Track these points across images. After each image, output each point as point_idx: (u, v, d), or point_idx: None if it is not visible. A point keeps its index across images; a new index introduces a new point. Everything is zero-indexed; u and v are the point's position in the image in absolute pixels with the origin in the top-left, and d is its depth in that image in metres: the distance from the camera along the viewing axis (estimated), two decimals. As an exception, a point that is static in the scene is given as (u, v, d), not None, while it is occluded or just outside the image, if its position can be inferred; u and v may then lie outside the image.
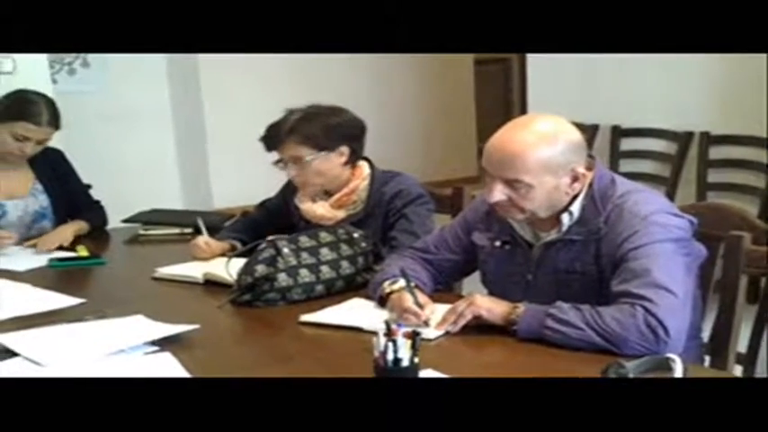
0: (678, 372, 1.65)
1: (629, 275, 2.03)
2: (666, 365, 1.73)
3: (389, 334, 1.77)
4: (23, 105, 3.23)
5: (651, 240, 2.06)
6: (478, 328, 2.14)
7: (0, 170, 3.32)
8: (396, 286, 2.29)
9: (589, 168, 2.17)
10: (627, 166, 5.10)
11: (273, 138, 2.82)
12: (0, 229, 3.22)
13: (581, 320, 2.00)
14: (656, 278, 2.00)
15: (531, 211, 2.15)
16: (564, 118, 2.17)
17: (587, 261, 2.15)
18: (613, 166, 5.08)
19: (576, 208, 2.15)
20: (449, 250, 2.46)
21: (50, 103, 3.28)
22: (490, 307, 2.14)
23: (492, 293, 2.29)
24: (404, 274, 2.28)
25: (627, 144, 5.18)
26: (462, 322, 2.14)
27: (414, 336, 1.76)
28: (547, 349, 2.02)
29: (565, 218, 2.16)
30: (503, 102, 10.03)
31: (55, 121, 3.26)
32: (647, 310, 1.95)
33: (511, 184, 2.11)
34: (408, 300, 2.22)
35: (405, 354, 1.74)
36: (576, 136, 2.14)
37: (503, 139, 2.13)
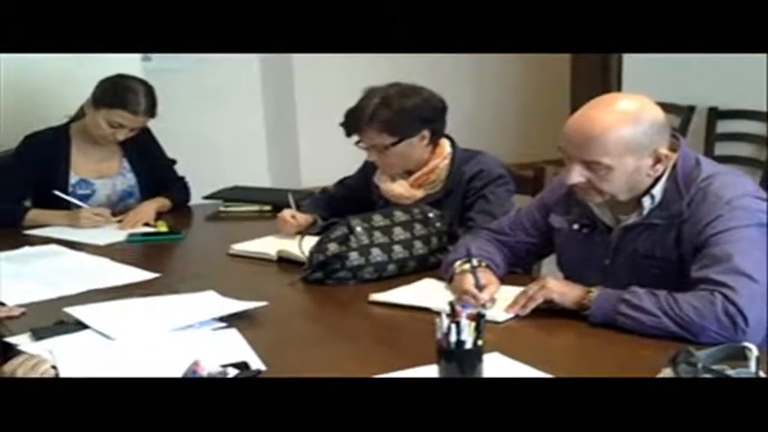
0: (753, 362, 1.56)
1: (710, 261, 1.94)
2: (742, 355, 1.64)
3: (453, 315, 1.72)
4: (123, 93, 3.22)
5: (735, 225, 1.96)
6: (550, 312, 2.08)
7: (91, 151, 3.36)
8: (466, 266, 2.23)
9: (672, 149, 2.07)
10: (723, 148, 4.93)
11: (353, 125, 2.77)
12: (89, 207, 3.26)
13: (656, 307, 1.92)
14: (738, 264, 1.90)
15: (611, 194, 2.07)
16: (650, 98, 2.08)
17: (668, 246, 2.06)
18: (709, 149, 4.93)
19: (657, 191, 2.07)
20: (524, 232, 2.40)
21: (149, 92, 3.27)
22: (563, 291, 2.07)
23: (567, 277, 2.23)
24: (468, 255, 2.23)
25: (723, 126, 5.00)
26: (532, 305, 2.08)
27: (478, 318, 1.70)
28: (618, 335, 1.96)
29: (646, 201, 2.07)
30: (600, 81, 9.82)
31: (151, 110, 3.27)
32: (726, 297, 1.86)
33: (590, 165, 2.03)
34: (468, 281, 2.16)
35: (468, 336, 1.69)
36: (660, 115, 2.05)
37: (582, 119, 2.05)
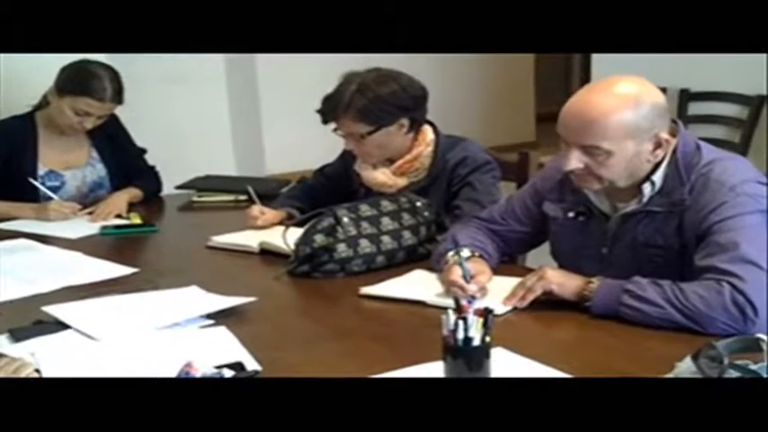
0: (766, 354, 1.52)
1: (716, 249, 1.89)
2: (756, 346, 1.60)
3: (459, 310, 1.65)
4: (87, 80, 3.10)
5: (739, 212, 1.92)
6: (549, 303, 2.02)
7: (58, 141, 3.24)
8: (457, 257, 2.17)
9: (672, 134, 2.02)
10: (695, 131, 4.89)
11: (329, 112, 2.69)
12: (59, 199, 3.15)
13: (661, 297, 1.87)
14: (745, 252, 1.86)
15: (610, 181, 2.01)
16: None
17: (669, 234, 2.01)
18: (681, 132, 4.91)
19: (658, 177, 2.01)
20: (516, 221, 2.34)
21: (115, 77, 3.16)
22: (562, 281, 2.02)
23: (563, 267, 2.16)
24: (456, 245, 2.16)
25: (695, 108, 4.99)
26: (531, 297, 2.03)
27: (486, 314, 1.64)
28: (621, 326, 1.91)
29: (646, 188, 2.02)
30: (563, 62, 9.81)
31: (118, 97, 3.16)
32: (734, 286, 1.82)
33: (588, 151, 1.97)
34: (456, 272, 2.10)
35: (475, 332, 1.63)
36: (660, 98, 1.99)
37: (580, 102, 1.99)
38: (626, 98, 1.96)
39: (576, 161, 2.00)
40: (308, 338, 2.01)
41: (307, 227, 2.41)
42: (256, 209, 2.84)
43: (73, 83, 3.12)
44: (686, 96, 5.00)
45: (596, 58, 5.51)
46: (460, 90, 7.28)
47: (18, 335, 1.94)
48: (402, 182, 2.71)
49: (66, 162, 3.27)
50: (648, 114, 1.96)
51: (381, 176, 2.73)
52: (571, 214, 2.19)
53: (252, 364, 1.76)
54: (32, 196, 3.12)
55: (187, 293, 2.18)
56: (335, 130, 2.70)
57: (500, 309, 2.02)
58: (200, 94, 5.76)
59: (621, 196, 2.08)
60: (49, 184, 3.20)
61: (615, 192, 2.07)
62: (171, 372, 1.62)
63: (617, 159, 1.97)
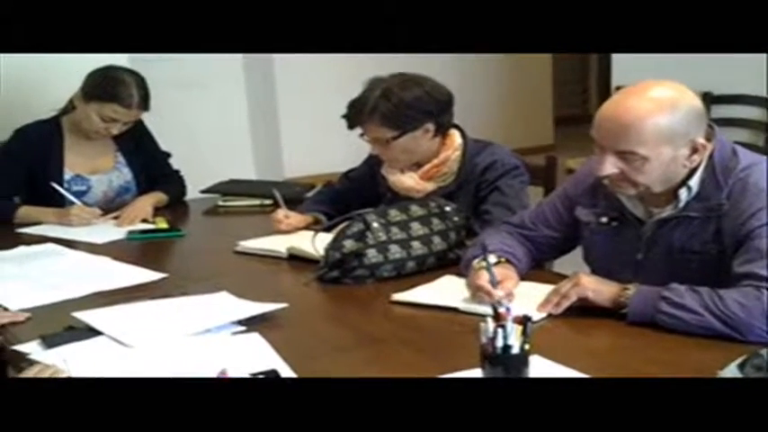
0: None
1: (755, 255, 1.87)
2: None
3: (498, 318, 1.64)
4: (115, 86, 3.10)
5: (779, 218, 1.89)
6: (583, 310, 2.00)
7: (84, 145, 3.24)
8: (484, 263, 2.15)
9: (708, 139, 2.00)
10: (718, 134, 4.89)
11: (354, 117, 2.68)
12: (84, 204, 3.14)
13: (699, 305, 1.84)
14: (785, 259, 1.83)
15: (645, 186, 1.99)
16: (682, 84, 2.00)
17: (706, 240, 1.99)
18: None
19: (695, 182, 1.99)
20: (547, 226, 2.31)
21: (141, 84, 3.16)
22: (597, 288, 1.99)
23: (595, 273, 2.14)
24: (483, 250, 2.15)
25: (718, 111, 4.96)
26: (566, 304, 2.00)
27: (524, 321, 1.62)
28: (658, 334, 1.88)
29: (683, 193, 2.00)
30: (580, 65, 9.78)
31: (144, 103, 3.16)
32: (774, 293, 1.79)
33: (624, 156, 1.95)
34: (483, 277, 2.08)
35: (515, 340, 1.61)
36: (697, 103, 1.97)
37: (615, 107, 1.96)
38: (662, 103, 1.93)
39: (610, 166, 1.98)
40: (339, 345, 2.00)
41: (336, 232, 2.40)
42: (281, 213, 2.83)
43: (100, 89, 3.11)
44: (709, 99, 4.97)
45: (617, 60, 5.49)
46: (478, 93, 7.26)
47: (50, 341, 1.93)
48: (430, 186, 2.70)
49: (93, 167, 3.26)
50: (685, 119, 1.94)
51: (409, 181, 2.71)
52: (604, 219, 2.17)
53: (286, 372, 1.75)
54: (59, 201, 3.11)
55: (218, 299, 2.17)
56: (362, 135, 2.69)
57: (535, 316, 2.00)
58: (218, 98, 5.77)
59: (656, 201, 2.06)
60: (75, 188, 3.20)
61: (650, 197, 2.05)
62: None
63: (653, 165, 1.95)
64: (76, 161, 3.24)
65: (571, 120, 8.78)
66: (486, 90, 7.49)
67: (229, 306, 2.11)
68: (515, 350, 1.61)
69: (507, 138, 6.51)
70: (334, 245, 2.35)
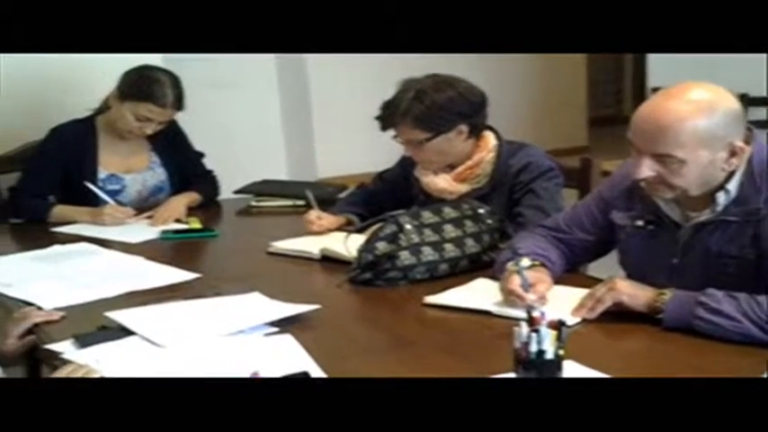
0: None
1: (794, 261, 1.84)
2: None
3: (532, 323, 1.62)
4: (150, 86, 3.12)
5: (820, 222, 1.86)
6: (619, 315, 1.98)
7: (118, 145, 3.26)
8: (516, 266, 2.13)
9: (747, 142, 1.97)
10: (755, 137, 4.83)
11: (387, 119, 2.67)
12: (118, 203, 3.16)
13: (737, 311, 1.81)
14: (825, 265, 1.80)
15: (682, 189, 1.96)
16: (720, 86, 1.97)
17: (744, 244, 1.95)
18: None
19: (733, 186, 1.96)
20: (582, 229, 2.29)
21: (176, 83, 3.17)
22: (633, 292, 1.97)
23: (630, 277, 2.11)
24: (517, 253, 2.13)
25: (756, 114, 4.90)
26: (601, 308, 1.98)
27: (559, 326, 1.60)
28: (695, 340, 1.85)
29: (720, 197, 1.97)
30: (614, 66, 9.72)
31: (179, 103, 3.17)
32: (814, 300, 1.76)
33: (661, 159, 1.92)
34: (515, 280, 2.06)
35: (549, 345, 1.59)
36: (735, 105, 1.94)
37: (653, 109, 1.94)
38: (700, 105, 1.91)
39: (647, 169, 1.95)
40: (372, 347, 1.99)
41: (369, 234, 2.39)
42: (313, 214, 2.83)
43: (135, 88, 3.13)
44: (746, 101, 4.91)
45: (652, 61, 5.44)
46: (511, 93, 7.22)
47: (83, 341, 1.94)
48: (463, 188, 2.68)
49: (127, 166, 3.28)
50: (723, 122, 1.91)
51: (442, 182, 2.70)
52: (640, 223, 2.14)
53: (317, 374, 1.74)
54: (93, 200, 3.13)
55: (250, 300, 2.17)
56: (395, 137, 2.68)
57: (568, 320, 1.98)
58: (252, 98, 5.78)
59: (693, 205, 2.03)
60: (109, 187, 3.21)
61: (687, 200, 2.02)
62: (237, 380, 1.62)
63: (690, 168, 1.92)
64: (111, 160, 3.26)
65: (605, 121, 8.73)
66: (519, 91, 7.46)
67: (262, 307, 2.11)
68: (549, 355, 1.60)
69: (541, 138, 6.47)
70: (367, 246, 2.35)
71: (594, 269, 2.51)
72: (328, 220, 2.84)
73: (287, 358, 1.82)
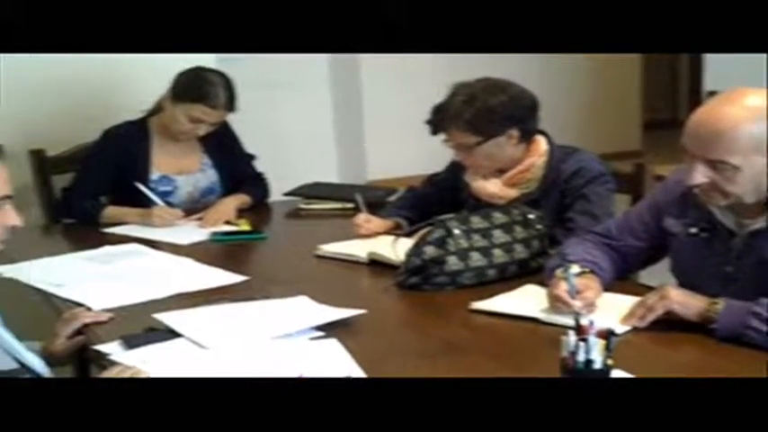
0: None
1: None
2: None
3: (580, 331, 1.59)
4: (203, 87, 3.13)
5: None
6: (669, 324, 1.94)
7: (170, 146, 3.28)
8: (564, 273, 2.09)
9: (803, 148, 1.92)
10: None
11: (437, 123, 2.66)
12: (169, 204, 3.18)
13: (792, 321, 1.77)
14: None
15: (737, 196, 1.92)
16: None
17: (801, 254, 1.91)
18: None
19: (789, 193, 1.91)
20: (633, 236, 2.25)
21: (228, 85, 3.18)
22: (684, 301, 1.93)
23: (683, 285, 2.07)
24: (564, 260, 2.10)
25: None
26: (651, 317, 1.95)
27: (608, 336, 1.58)
28: (747, 351, 1.82)
29: (775, 204, 1.92)
30: (670, 67, 9.58)
31: (231, 104, 3.19)
32: None
33: (715, 165, 1.89)
34: (562, 286, 2.03)
35: (597, 355, 1.57)
36: (792, 111, 1.89)
37: (707, 114, 1.90)
38: (755, 111, 1.87)
39: (700, 176, 1.92)
40: (418, 353, 1.97)
41: (417, 238, 2.38)
42: (362, 217, 2.82)
43: (188, 90, 3.15)
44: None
45: (709, 63, 5.34)
46: (563, 96, 7.14)
47: (130, 342, 1.95)
48: (513, 193, 2.66)
49: (179, 167, 3.30)
50: None
51: (492, 187, 2.68)
52: (693, 230, 2.10)
53: (363, 379, 1.74)
54: (145, 201, 3.15)
55: (297, 304, 2.16)
56: (445, 141, 2.67)
57: (617, 328, 1.94)
58: (303, 99, 5.79)
59: (748, 212, 1.98)
60: (161, 188, 3.23)
61: (741, 207, 1.98)
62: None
63: (745, 175, 1.88)
64: (163, 162, 3.28)
65: (660, 124, 8.61)
66: (572, 93, 7.37)
67: (308, 311, 2.11)
68: (597, 365, 1.57)
69: (593, 142, 6.40)
70: (415, 251, 2.33)
71: (646, 277, 2.47)
72: (377, 223, 2.83)
73: (331, 363, 1.82)
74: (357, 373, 1.76)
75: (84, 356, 2.34)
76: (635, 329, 1.96)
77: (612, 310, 2.03)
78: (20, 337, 1.92)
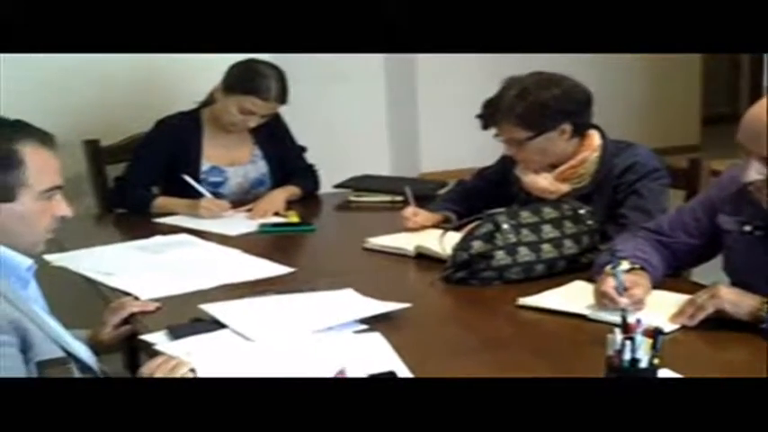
0: None
1: None
2: None
3: (626, 329, 1.56)
4: (255, 79, 3.14)
5: None
6: (719, 323, 1.90)
7: (222, 137, 3.30)
8: (612, 269, 2.05)
9: None
10: None
11: (489, 117, 2.63)
12: (220, 195, 3.20)
13: None
14: None
15: (792, 195, 1.87)
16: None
17: None
18: None
19: None
20: (686, 233, 2.21)
21: (280, 77, 3.19)
22: (736, 300, 1.89)
23: (735, 284, 2.03)
24: (614, 256, 2.06)
25: None
26: (701, 316, 1.91)
27: (655, 334, 1.54)
28: (801, 352, 1.76)
29: (831, 203, 1.87)
30: (731, 62, 9.41)
31: (282, 96, 3.19)
32: None
33: (770, 162, 1.84)
34: (609, 283, 1.99)
35: (643, 354, 1.53)
36: None
37: (762, 110, 1.86)
38: (813, 107, 1.81)
39: (755, 172, 1.87)
40: (462, 349, 1.96)
41: (465, 232, 2.36)
42: (410, 210, 2.81)
43: (240, 82, 3.16)
44: None
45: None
46: (619, 88, 7.03)
47: (176, 332, 1.96)
48: (564, 188, 2.61)
49: (230, 159, 3.31)
50: None
51: (543, 182, 2.64)
52: (748, 228, 2.05)
53: (404, 374, 1.72)
54: (195, 192, 3.17)
55: (342, 296, 2.16)
56: (496, 135, 2.64)
57: (666, 326, 1.91)
58: (358, 92, 5.77)
59: (804, 211, 1.93)
60: (211, 179, 3.25)
61: (797, 206, 1.93)
62: (322, 376, 1.63)
63: (800, 173, 1.83)
64: (214, 153, 3.30)
65: (720, 119, 8.45)
66: (629, 87, 7.27)
67: (353, 304, 2.10)
68: (643, 364, 1.54)
69: (651, 136, 6.31)
70: (463, 245, 2.31)
71: (698, 274, 2.42)
72: (425, 216, 2.81)
73: (374, 357, 1.81)
74: (399, 367, 1.75)
75: (133, 345, 2.36)
76: (684, 328, 1.92)
77: (662, 308, 1.99)
78: (67, 325, 1.93)
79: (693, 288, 2.08)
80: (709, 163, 2.78)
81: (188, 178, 3.16)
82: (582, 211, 2.41)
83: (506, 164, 2.81)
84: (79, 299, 2.46)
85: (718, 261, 2.21)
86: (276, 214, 3.10)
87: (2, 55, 3.11)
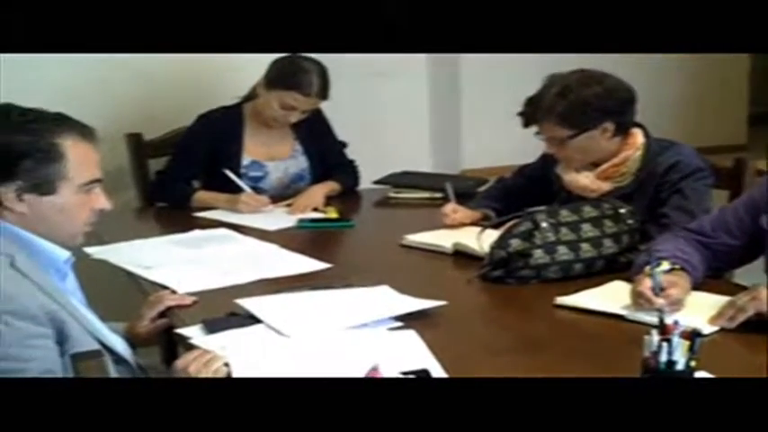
0: None
1: None
2: None
3: (663, 331, 1.54)
4: (297, 75, 3.14)
5: None
6: (760, 325, 1.87)
7: (263, 132, 3.30)
8: (657, 269, 2.02)
9: None
10: None
11: (530, 115, 2.60)
12: (260, 190, 3.21)
13: None
14: None
15: (835, 196, 1.83)
16: None
17: None
18: None
19: None
20: (728, 234, 2.17)
21: (322, 73, 3.18)
22: (777, 303, 1.85)
23: (778, 287, 1.99)
24: (654, 256, 2.03)
25: None
26: (741, 318, 1.88)
27: (693, 337, 1.52)
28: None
29: None
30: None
31: (324, 92, 3.19)
32: None
33: (814, 163, 1.80)
34: (646, 283, 1.97)
35: (680, 356, 1.51)
36: None
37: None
38: None
39: (800, 173, 1.83)
40: (497, 348, 1.94)
41: (503, 230, 2.34)
42: (450, 207, 2.79)
43: (282, 77, 3.16)
44: None
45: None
46: (664, 86, 6.95)
47: (211, 326, 1.97)
48: (606, 186, 2.58)
49: (270, 153, 3.32)
50: None
51: (584, 180, 2.61)
52: (791, 230, 2.02)
53: (438, 372, 1.71)
54: (235, 186, 3.18)
55: (378, 293, 2.15)
56: (537, 133, 2.61)
57: (705, 328, 1.88)
58: (400, 89, 5.75)
59: None
60: (251, 174, 3.26)
61: (843, 207, 1.89)
62: (357, 374, 1.61)
63: None
64: (255, 147, 3.30)
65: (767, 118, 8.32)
66: (675, 84, 7.18)
67: (389, 301, 2.09)
68: (680, 366, 1.52)
69: (696, 135, 6.22)
70: (501, 243, 2.30)
71: (741, 276, 2.38)
72: (464, 213, 2.79)
73: (408, 354, 1.80)
74: (433, 366, 1.74)
75: (171, 339, 2.37)
76: (723, 330, 1.89)
77: (701, 310, 1.96)
78: (104, 318, 1.95)
79: (734, 289, 2.05)
80: (754, 163, 2.74)
81: (229, 173, 3.17)
82: (622, 211, 2.38)
83: (547, 162, 2.78)
84: (118, 291, 2.48)
85: (760, 263, 2.18)
86: (315, 210, 3.10)
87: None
